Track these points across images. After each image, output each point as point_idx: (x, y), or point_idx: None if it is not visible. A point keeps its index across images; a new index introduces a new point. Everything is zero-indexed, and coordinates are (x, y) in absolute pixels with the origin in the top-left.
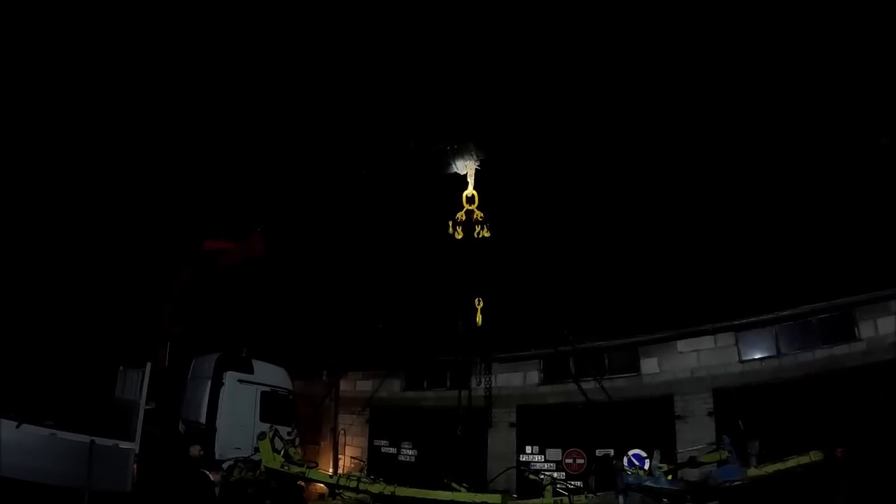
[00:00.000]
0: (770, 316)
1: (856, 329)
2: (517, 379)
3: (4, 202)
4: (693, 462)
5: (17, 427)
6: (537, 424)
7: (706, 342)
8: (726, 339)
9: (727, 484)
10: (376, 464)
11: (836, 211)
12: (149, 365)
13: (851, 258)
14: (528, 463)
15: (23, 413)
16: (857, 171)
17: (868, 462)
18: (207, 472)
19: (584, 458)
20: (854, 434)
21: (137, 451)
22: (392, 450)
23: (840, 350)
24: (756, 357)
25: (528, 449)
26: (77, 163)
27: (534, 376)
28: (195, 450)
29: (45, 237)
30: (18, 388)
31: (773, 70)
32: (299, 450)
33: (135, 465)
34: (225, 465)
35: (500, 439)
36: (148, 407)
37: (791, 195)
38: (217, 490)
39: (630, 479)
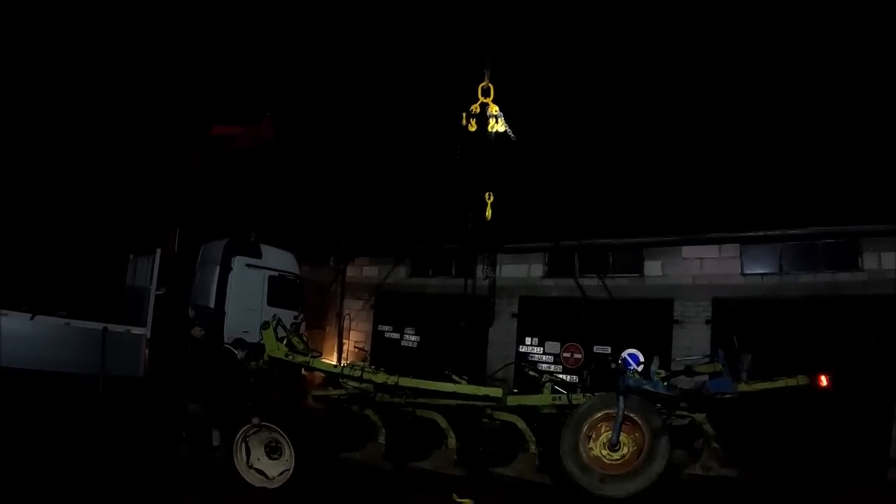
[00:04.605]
0: (777, 232)
1: (860, 259)
2: (522, 270)
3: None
4: (689, 371)
5: (32, 318)
6: (538, 316)
7: (710, 251)
8: (731, 250)
9: (718, 395)
10: (379, 349)
11: (856, 139)
12: (158, 252)
13: (865, 187)
14: (526, 355)
15: (36, 304)
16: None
17: (854, 389)
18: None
19: (581, 352)
20: (843, 361)
21: (149, 336)
22: (395, 335)
23: (842, 277)
24: (758, 272)
25: (528, 340)
26: (87, 51)
27: (538, 269)
28: (196, 331)
29: (54, 127)
30: (31, 280)
31: None
32: (303, 338)
33: (146, 350)
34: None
35: (502, 329)
36: (158, 293)
37: (814, 120)
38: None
39: (630, 381)
